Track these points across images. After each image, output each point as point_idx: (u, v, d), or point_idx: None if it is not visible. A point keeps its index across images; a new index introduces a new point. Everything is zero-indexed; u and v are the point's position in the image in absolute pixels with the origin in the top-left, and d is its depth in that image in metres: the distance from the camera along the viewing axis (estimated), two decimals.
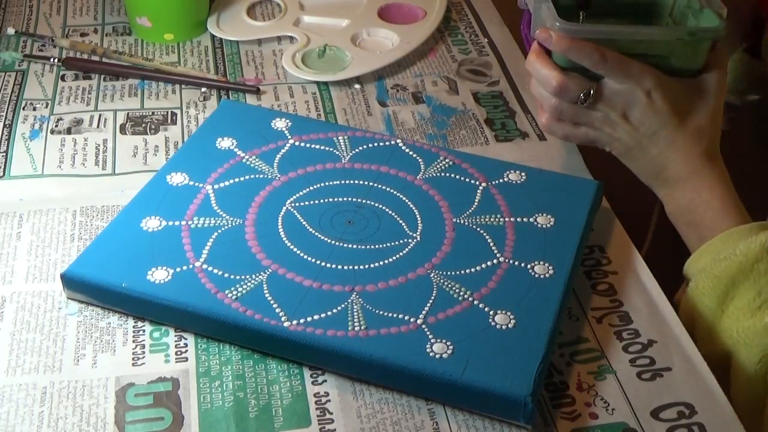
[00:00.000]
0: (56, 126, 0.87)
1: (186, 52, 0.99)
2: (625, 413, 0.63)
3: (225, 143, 0.80)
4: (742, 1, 0.89)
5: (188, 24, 1.01)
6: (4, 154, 0.83)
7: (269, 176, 0.77)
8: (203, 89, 0.93)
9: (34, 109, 0.89)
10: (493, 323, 0.65)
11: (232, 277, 0.67)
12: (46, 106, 0.90)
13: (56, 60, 0.95)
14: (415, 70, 0.97)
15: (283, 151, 0.80)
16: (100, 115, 0.89)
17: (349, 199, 0.75)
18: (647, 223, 1.26)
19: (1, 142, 0.85)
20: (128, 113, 0.89)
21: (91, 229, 0.75)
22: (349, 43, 0.98)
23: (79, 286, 0.68)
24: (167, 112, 0.90)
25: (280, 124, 0.83)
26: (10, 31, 1.00)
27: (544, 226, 0.73)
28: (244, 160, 0.78)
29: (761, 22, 0.88)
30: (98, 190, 0.80)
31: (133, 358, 0.65)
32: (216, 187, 0.75)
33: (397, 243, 0.71)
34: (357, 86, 0.94)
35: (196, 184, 0.76)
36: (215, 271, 0.68)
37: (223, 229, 0.71)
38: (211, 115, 0.84)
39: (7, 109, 0.89)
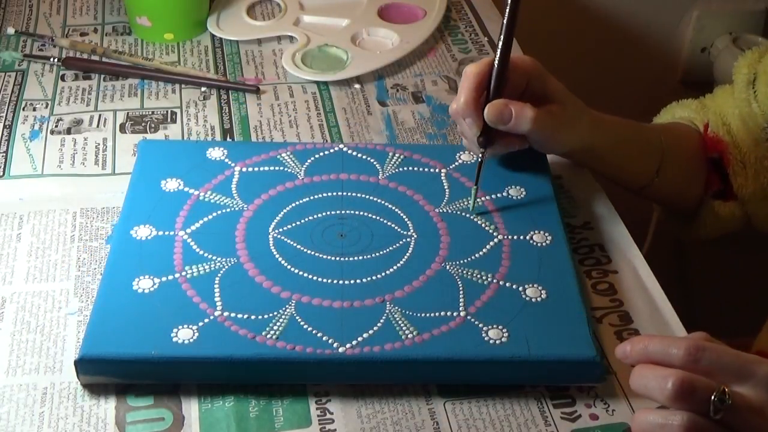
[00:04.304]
0: (56, 126, 0.87)
1: (186, 52, 0.99)
2: (626, 414, 0.62)
3: (171, 185, 0.76)
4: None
5: (188, 24, 1.01)
6: (4, 154, 0.84)
7: (236, 208, 0.74)
8: (203, 89, 0.93)
9: (34, 109, 0.89)
10: (527, 298, 0.67)
11: (259, 317, 0.65)
12: (46, 107, 0.90)
13: (56, 60, 0.95)
14: (415, 69, 0.97)
15: (234, 180, 0.76)
16: (100, 115, 0.89)
17: (327, 213, 0.74)
18: (647, 223, 1.26)
19: (1, 142, 0.85)
20: (128, 113, 0.89)
21: (91, 230, 0.75)
22: (349, 43, 0.98)
23: (100, 367, 0.63)
24: (167, 111, 0.90)
25: (216, 153, 0.79)
26: (10, 30, 1.00)
27: (517, 197, 0.76)
28: (201, 198, 0.75)
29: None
30: (98, 190, 0.80)
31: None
32: (188, 231, 0.72)
33: (398, 245, 0.71)
34: (357, 86, 0.94)
35: (166, 233, 0.72)
36: (239, 316, 0.65)
37: (221, 272, 0.68)
38: (136, 159, 0.80)
39: (7, 109, 0.89)
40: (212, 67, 0.96)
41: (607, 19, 1.39)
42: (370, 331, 0.64)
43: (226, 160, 0.79)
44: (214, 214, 0.74)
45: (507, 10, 0.74)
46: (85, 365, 0.62)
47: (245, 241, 0.71)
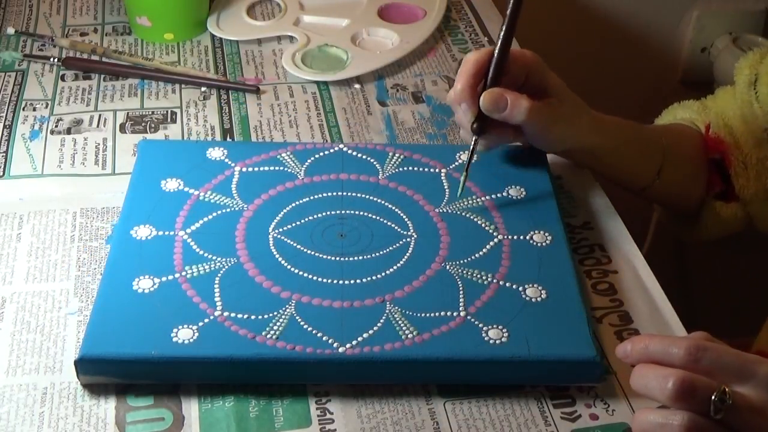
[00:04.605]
0: (56, 126, 0.87)
1: (186, 52, 0.99)
2: (626, 414, 0.62)
3: (171, 185, 0.76)
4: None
5: (188, 23, 1.01)
6: (4, 154, 0.84)
7: (236, 208, 0.74)
8: (203, 89, 0.93)
9: (34, 109, 0.89)
10: (527, 298, 0.67)
11: (259, 317, 0.65)
12: (46, 107, 0.90)
13: (56, 60, 0.95)
14: (415, 69, 0.97)
15: (234, 180, 0.76)
16: (100, 115, 0.89)
17: (327, 213, 0.74)
18: (647, 223, 1.26)
19: (1, 142, 0.85)
20: (128, 113, 0.89)
21: (91, 230, 0.75)
22: (349, 43, 0.98)
23: (100, 367, 0.63)
24: (167, 111, 0.90)
25: (216, 153, 0.79)
26: (10, 30, 1.00)
27: (517, 197, 0.75)
28: (201, 198, 0.75)
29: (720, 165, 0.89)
30: (98, 190, 0.80)
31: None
32: (188, 231, 0.72)
33: (398, 245, 0.71)
34: (357, 86, 0.94)
35: (166, 233, 0.72)
36: (239, 316, 0.65)
37: (221, 272, 0.68)
38: (136, 160, 0.80)
39: (7, 109, 0.89)
40: (212, 67, 0.96)
41: (607, 19, 1.39)
42: (370, 331, 0.64)
43: (226, 160, 0.79)
44: (214, 214, 0.73)
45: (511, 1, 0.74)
46: (85, 365, 0.62)
47: (245, 241, 0.71)
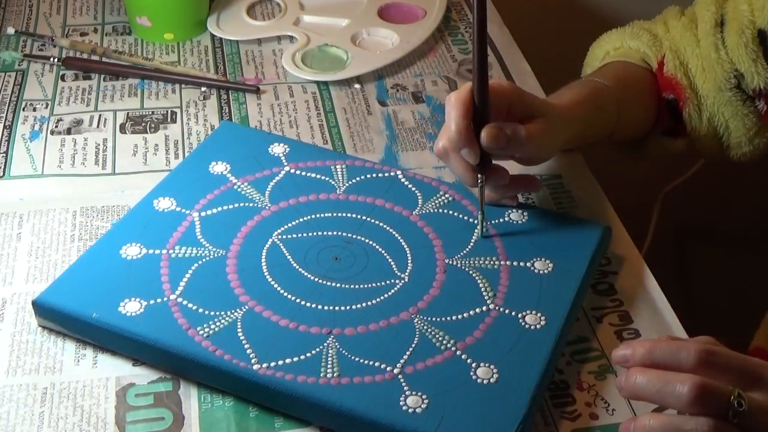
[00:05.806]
0: (56, 126, 0.87)
1: (186, 52, 0.99)
2: (626, 414, 0.62)
3: (218, 168, 0.77)
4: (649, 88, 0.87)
5: (188, 23, 1.01)
6: (4, 154, 0.84)
7: (259, 205, 0.74)
8: (203, 89, 0.93)
9: (34, 110, 0.89)
10: (474, 377, 0.61)
11: (206, 312, 0.64)
12: (46, 107, 0.90)
13: (56, 60, 0.95)
14: (415, 69, 0.97)
15: (277, 178, 0.76)
16: (100, 116, 0.89)
17: (339, 233, 0.72)
18: (647, 223, 1.26)
19: (1, 142, 0.85)
20: (128, 113, 0.89)
21: (91, 229, 0.75)
22: (349, 43, 0.98)
23: (51, 314, 0.66)
24: (167, 111, 0.90)
25: (277, 149, 0.80)
26: (10, 30, 1.00)
27: (541, 271, 0.69)
28: (235, 187, 0.75)
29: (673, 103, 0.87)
30: (98, 189, 0.80)
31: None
32: (203, 214, 0.73)
33: (383, 283, 0.68)
34: (357, 86, 0.94)
35: (183, 210, 0.73)
36: (190, 305, 0.65)
37: (204, 260, 0.69)
38: (209, 136, 0.82)
39: (7, 109, 0.89)
40: (212, 67, 0.96)
41: (607, 20, 1.39)
42: (295, 358, 0.62)
43: (283, 158, 0.79)
44: (236, 205, 0.74)
45: (475, 41, 0.70)
46: (39, 309, 0.66)
47: (245, 238, 0.71)
